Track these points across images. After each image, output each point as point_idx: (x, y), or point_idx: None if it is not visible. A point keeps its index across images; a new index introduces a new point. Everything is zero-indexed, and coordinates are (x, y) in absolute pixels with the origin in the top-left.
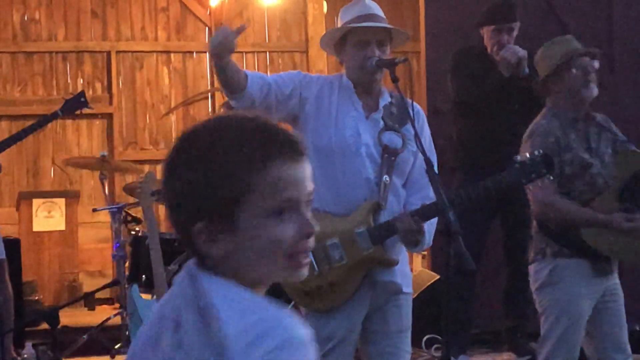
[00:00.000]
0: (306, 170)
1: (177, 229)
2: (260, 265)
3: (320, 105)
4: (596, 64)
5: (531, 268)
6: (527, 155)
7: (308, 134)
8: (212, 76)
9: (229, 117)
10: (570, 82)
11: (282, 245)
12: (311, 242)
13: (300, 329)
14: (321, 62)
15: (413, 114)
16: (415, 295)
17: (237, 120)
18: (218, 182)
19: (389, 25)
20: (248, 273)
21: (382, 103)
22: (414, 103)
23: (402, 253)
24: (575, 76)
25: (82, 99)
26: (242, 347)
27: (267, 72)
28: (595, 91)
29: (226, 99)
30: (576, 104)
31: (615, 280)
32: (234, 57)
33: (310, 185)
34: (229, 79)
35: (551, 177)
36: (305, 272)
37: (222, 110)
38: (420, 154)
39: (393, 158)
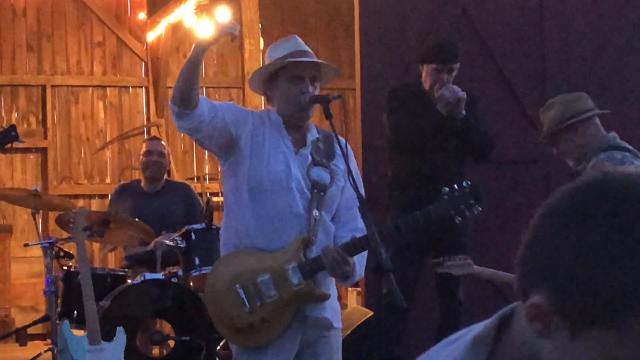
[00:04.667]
0: None
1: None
2: None
3: (255, 140)
4: None
5: None
6: (456, 186)
7: (244, 170)
8: (147, 111)
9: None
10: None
11: None
12: None
13: None
14: (257, 98)
15: (346, 150)
16: (349, 331)
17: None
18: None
19: (323, 62)
20: None
21: (309, 138)
22: (341, 137)
23: (331, 287)
24: None
25: (13, 133)
26: None
27: None
28: None
29: (152, 134)
30: None
31: None
32: (170, 92)
33: None
34: (192, 87)
35: (480, 208)
36: None
37: (144, 144)
38: (346, 188)
39: (322, 193)
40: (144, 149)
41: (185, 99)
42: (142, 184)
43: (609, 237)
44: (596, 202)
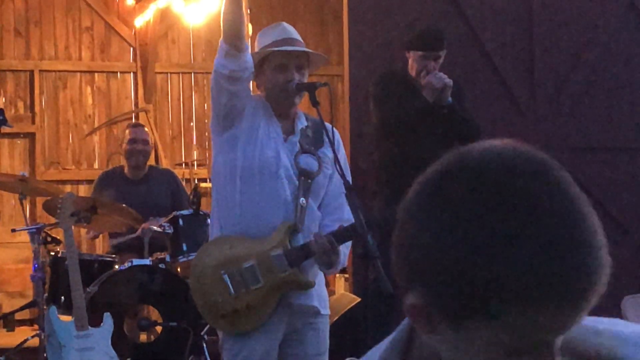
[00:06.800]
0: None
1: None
2: None
3: (253, 123)
4: None
5: None
6: None
7: (237, 151)
8: (136, 97)
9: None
10: None
11: None
12: None
13: None
14: None
15: (333, 137)
16: (336, 318)
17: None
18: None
19: (308, 50)
20: None
21: (299, 126)
22: (328, 124)
23: (318, 274)
24: None
25: (1, 117)
26: None
27: (192, 94)
28: None
29: (141, 120)
30: None
31: None
32: (158, 78)
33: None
34: (239, 20)
35: None
36: None
37: (127, 131)
38: (334, 176)
39: (309, 181)
40: (127, 136)
41: (237, 35)
42: (126, 170)
43: (469, 225)
44: (452, 189)
